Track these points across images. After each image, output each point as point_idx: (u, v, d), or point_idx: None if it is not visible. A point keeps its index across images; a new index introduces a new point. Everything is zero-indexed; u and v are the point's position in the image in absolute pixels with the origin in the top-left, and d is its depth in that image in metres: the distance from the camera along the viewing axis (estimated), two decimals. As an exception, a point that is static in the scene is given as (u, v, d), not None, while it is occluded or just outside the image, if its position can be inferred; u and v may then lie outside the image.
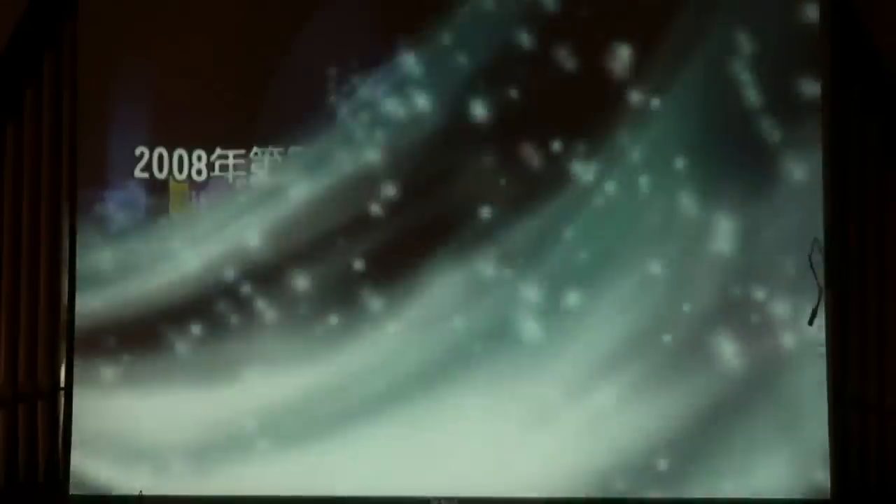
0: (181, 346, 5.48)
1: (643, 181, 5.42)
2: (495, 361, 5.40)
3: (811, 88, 5.37)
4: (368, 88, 5.49)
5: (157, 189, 5.57)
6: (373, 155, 5.49)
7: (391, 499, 5.36)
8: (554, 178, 5.42)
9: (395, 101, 5.49)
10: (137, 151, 5.57)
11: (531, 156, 5.45)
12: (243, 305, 5.49)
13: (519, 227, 5.43)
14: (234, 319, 5.48)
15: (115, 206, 5.56)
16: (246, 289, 5.49)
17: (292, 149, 5.52)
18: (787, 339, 5.32)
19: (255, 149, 5.54)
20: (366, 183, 5.49)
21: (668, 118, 5.41)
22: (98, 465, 5.46)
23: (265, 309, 5.48)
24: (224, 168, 5.55)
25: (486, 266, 5.43)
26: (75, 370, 5.50)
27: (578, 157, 5.41)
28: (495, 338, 5.41)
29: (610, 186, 5.41)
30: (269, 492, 5.41)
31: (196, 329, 5.48)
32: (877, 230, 5.50)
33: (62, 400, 5.54)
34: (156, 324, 5.49)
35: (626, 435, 5.34)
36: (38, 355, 5.61)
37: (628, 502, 5.34)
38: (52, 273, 5.63)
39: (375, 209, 5.48)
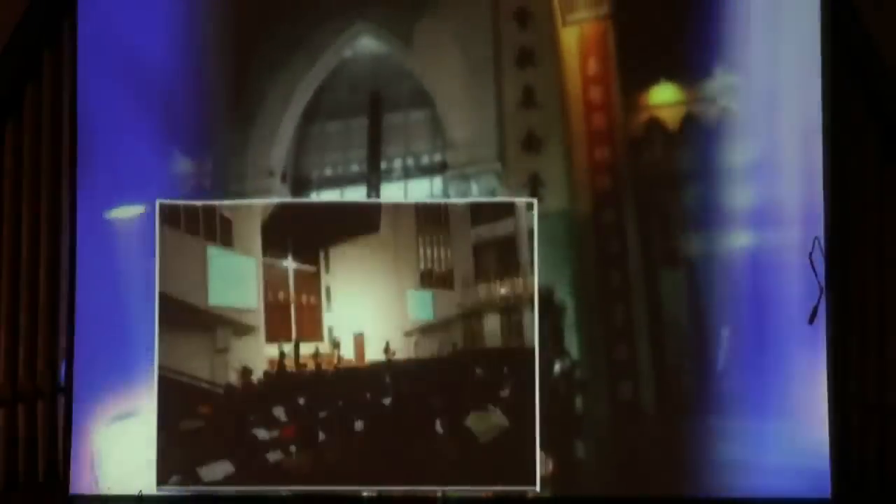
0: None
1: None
2: None
3: (811, 88, 5.38)
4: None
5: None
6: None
7: (391, 498, 5.35)
8: None
9: None
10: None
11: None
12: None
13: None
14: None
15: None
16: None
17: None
18: (788, 338, 5.34)
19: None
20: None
21: None
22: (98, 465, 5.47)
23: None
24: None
25: None
26: (75, 370, 5.51)
27: None
28: None
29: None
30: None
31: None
32: (877, 230, 5.50)
33: (62, 400, 5.54)
34: None
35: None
36: (38, 355, 5.61)
37: (628, 502, 5.34)
38: (52, 273, 5.62)
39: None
